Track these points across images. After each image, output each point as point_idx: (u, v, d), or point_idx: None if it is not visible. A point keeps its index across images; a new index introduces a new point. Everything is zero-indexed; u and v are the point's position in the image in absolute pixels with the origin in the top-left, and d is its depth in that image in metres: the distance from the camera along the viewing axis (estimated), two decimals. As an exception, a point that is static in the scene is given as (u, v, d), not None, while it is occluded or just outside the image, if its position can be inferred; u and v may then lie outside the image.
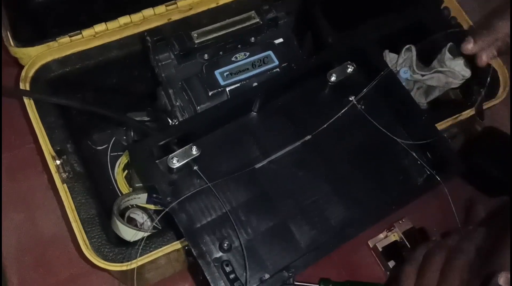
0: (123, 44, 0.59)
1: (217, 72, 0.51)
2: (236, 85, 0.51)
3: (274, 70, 0.52)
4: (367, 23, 0.64)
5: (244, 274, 0.43)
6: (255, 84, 0.51)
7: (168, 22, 0.60)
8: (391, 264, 0.63)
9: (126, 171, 0.67)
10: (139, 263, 0.49)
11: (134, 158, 0.48)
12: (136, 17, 0.58)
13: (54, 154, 0.52)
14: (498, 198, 0.67)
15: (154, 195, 0.64)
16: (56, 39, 0.56)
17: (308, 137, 0.49)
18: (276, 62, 0.52)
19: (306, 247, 0.45)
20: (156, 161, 0.46)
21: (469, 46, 0.52)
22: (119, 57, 0.59)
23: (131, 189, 0.66)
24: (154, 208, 0.65)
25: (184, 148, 0.45)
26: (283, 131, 0.50)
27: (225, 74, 0.51)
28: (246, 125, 0.49)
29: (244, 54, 0.52)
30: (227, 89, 0.50)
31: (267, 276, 0.43)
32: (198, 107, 0.50)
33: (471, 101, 0.60)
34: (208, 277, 0.41)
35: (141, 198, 0.64)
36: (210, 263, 0.42)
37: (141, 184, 0.64)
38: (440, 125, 0.56)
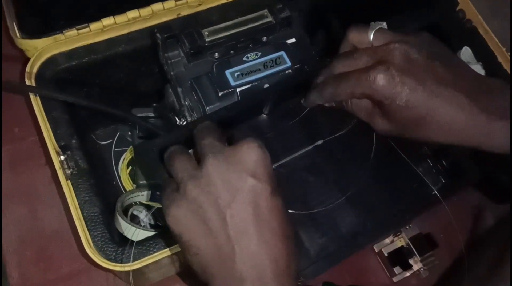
0: (131, 38, 0.58)
1: (227, 72, 0.50)
2: (247, 86, 0.49)
3: (286, 72, 0.51)
4: (380, 24, 0.63)
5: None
6: (267, 85, 0.50)
7: (177, 17, 0.59)
8: (397, 270, 0.63)
9: (130, 168, 0.66)
10: (143, 264, 0.48)
11: (140, 159, 0.47)
12: (145, 11, 0.56)
13: (58, 149, 0.51)
14: (507, 205, 0.66)
15: (158, 193, 0.63)
16: (63, 31, 0.55)
17: (320, 141, 0.48)
18: (289, 63, 0.51)
19: (316, 255, 0.44)
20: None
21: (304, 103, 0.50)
22: (126, 52, 0.58)
23: (134, 185, 0.65)
24: (158, 206, 0.64)
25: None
26: (294, 134, 0.49)
27: (236, 74, 0.50)
28: (256, 128, 0.49)
29: (256, 54, 0.51)
30: (238, 90, 0.49)
31: (275, 284, 0.42)
32: (207, 108, 0.49)
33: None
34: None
35: (145, 196, 0.63)
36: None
37: (145, 181, 0.63)
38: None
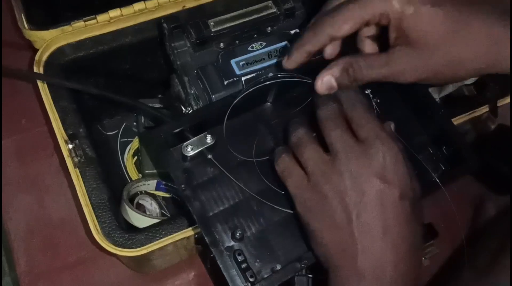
0: (137, 30, 0.59)
1: (233, 61, 0.51)
2: (251, 75, 0.50)
3: (290, 61, 0.52)
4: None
5: (256, 263, 0.43)
6: (271, 74, 0.50)
7: (183, 9, 0.60)
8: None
9: (135, 157, 0.67)
10: (149, 250, 0.49)
11: (147, 145, 0.48)
12: (151, 3, 0.57)
13: (66, 138, 0.53)
14: (508, 196, 0.67)
15: (163, 182, 0.65)
16: (71, 23, 0.56)
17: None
18: (293, 53, 0.52)
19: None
20: (171, 149, 0.46)
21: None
22: (133, 43, 0.59)
23: (140, 175, 0.66)
24: (163, 195, 0.66)
25: (199, 136, 0.45)
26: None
27: (241, 63, 0.51)
28: (261, 115, 0.49)
29: (260, 44, 0.52)
30: (243, 78, 0.50)
31: (279, 266, 0.43)
32: (213, 96, 0.50)
33: (485, 98, 0.59)
34: (220, 265, 0.41)
35: (150, 185, 0.65)
36: (222, 252, 0.42)
37: (150, 171, 0.64)
38: (454, 122, 0.56)
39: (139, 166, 0.67)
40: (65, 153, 0.52)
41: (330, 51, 0.42)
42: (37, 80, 0.54)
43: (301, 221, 0.40)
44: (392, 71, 0.39)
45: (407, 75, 0.39)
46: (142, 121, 0.67)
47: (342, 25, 0.38)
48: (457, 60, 0.38)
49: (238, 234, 0.43)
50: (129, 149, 0.68)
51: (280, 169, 0.41)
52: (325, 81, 0.40)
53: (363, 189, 0.37)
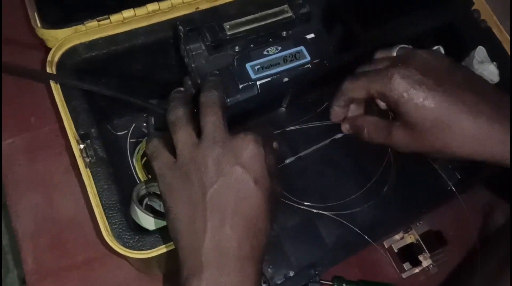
0: (150, 31, 0.59)
1: (248, 65, 0.50)
2: (267, 79, 0.50)
3: (306, 66, 0.52)
4: (396, 21, 0.64)
5: (269, 269, 0.43)
6: (286, 79, 0.50)
7: (196, 11, 0.59)
8: (406, 266, 0.63)
9: (145, 158, 0.67)
10: (159, 252, 0.49)
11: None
12: (164, 4, 0.57)
13: (78, 138, 0.52)
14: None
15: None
16: (84, 22, 0.56)
17: (339, 135, 0.49)
18: (308, 58, 0.52)
19: (333, 245, 0.45)
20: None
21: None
22: (145, 44, 0.59)
23: (150, 176, 0.66)
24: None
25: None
26: (312, 128, 0.49)
27: (256, 67, 0.51)
28: (276, 120, 0.49)
29: (276, 48, 0.52)
30: (258, 83, 0.50)
31: (292, 273, 0.43)
32: (228, 100, 0.49)
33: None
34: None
35: (160, 186, 0.64)
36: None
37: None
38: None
39: (148, 167, 0.66)
40: (77, 153, 0.52)
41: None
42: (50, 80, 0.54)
43: (163, 203, 0.42)
44: (389, 143, 0.46)
45: (401, 149, 0.46)
46: (152, 122, 0.67)
47: (355, 92, 0.47)
48: (442, 146, 0.44)
49: (251, 239, 0.43)
50: (138, 150, 0.68)
51: (149, 151, 0.44)
52: (345, 128, 0.50)
53: (223, 171, 0.39)
